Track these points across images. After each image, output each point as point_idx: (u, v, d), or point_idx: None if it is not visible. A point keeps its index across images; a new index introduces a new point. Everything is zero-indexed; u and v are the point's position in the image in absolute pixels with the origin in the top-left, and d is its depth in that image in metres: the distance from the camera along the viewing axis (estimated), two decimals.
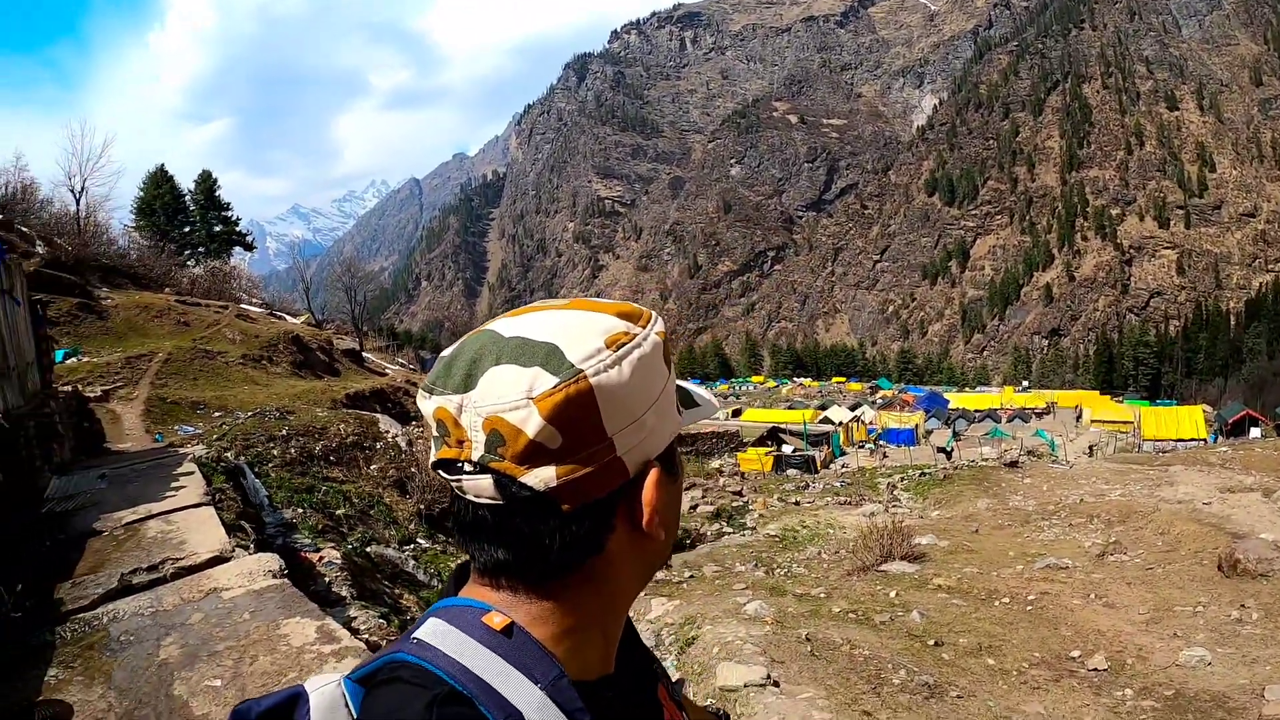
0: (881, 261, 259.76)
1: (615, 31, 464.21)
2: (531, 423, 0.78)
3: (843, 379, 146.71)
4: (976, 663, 8.25)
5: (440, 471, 0.85)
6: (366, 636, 6.86)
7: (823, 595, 10.92)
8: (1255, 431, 44.44)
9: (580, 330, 0.83)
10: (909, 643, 8.74)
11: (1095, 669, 7.98)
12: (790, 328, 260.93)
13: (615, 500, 0.84)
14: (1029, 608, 10.15)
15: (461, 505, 0.86)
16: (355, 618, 7.83)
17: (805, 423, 52.53)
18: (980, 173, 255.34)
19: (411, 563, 11.24)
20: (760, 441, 40.32)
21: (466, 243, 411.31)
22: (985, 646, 8.71)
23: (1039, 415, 70.33)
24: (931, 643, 8.74)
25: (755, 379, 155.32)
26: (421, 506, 14.01)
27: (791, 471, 32.48)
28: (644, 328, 0.85)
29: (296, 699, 0.83)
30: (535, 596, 0.85)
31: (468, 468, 0.81)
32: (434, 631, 0.82)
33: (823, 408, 71.36)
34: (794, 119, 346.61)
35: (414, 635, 0.83)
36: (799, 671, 7.49)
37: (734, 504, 23.49)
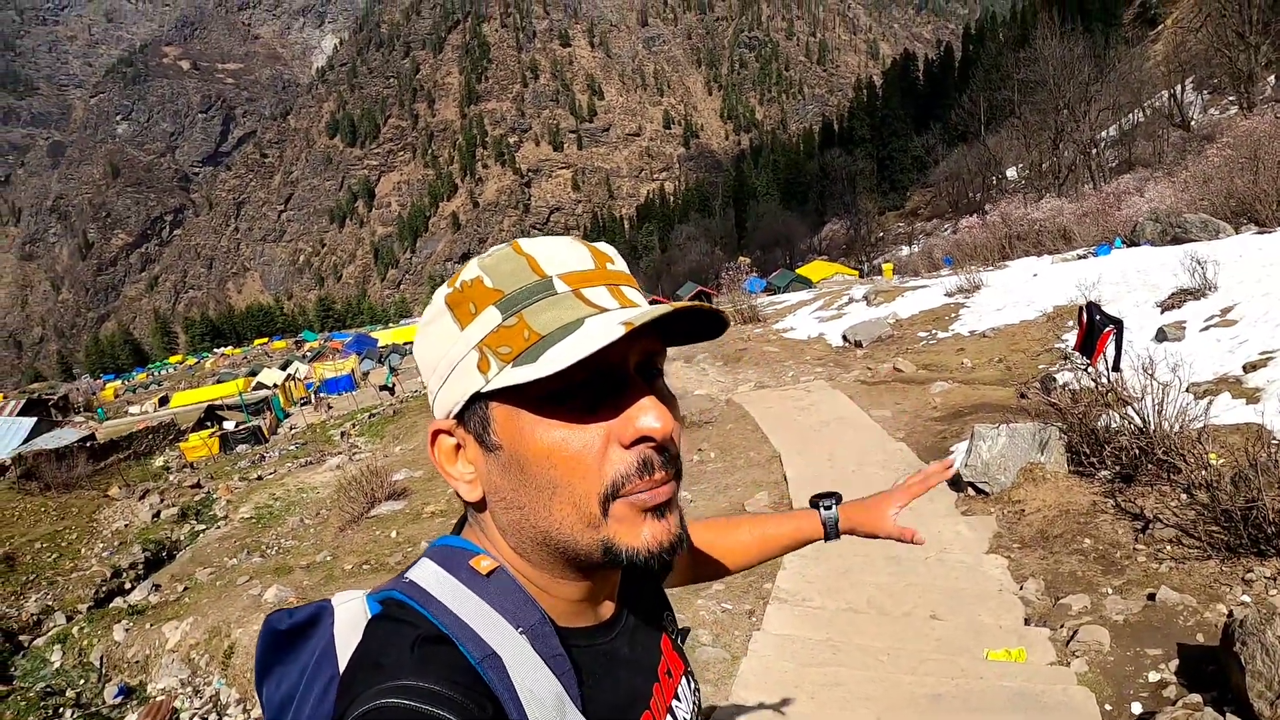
0: (287, 211, 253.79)
1: None
2: None
3: (265, 339, 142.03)
4: None
5: None
6: None
7: (329, 559, 11.24)
8: None
9: None
10: None
11: None
12: (201, 296, 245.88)
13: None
14: None
15: None
16: None
17: (240, 393, 50.59)
18: (382, 111, 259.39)
19: None
20: (199, 424, 37.98)
21: None
22: None
23: None
24: None
25: (174, 359, 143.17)
26: None
27: (242, 447, 31.45)
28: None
29: (323, 612, 0.88)
30: (487, 540, 0.89)
31: None
32: (424, 573, 0.85)
33: (253, 374, 68.72)
34: (186, 65, 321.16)
35: (407, 575, 0.85)
36: None
37: (196, 498, 22.43)
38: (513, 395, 0.79)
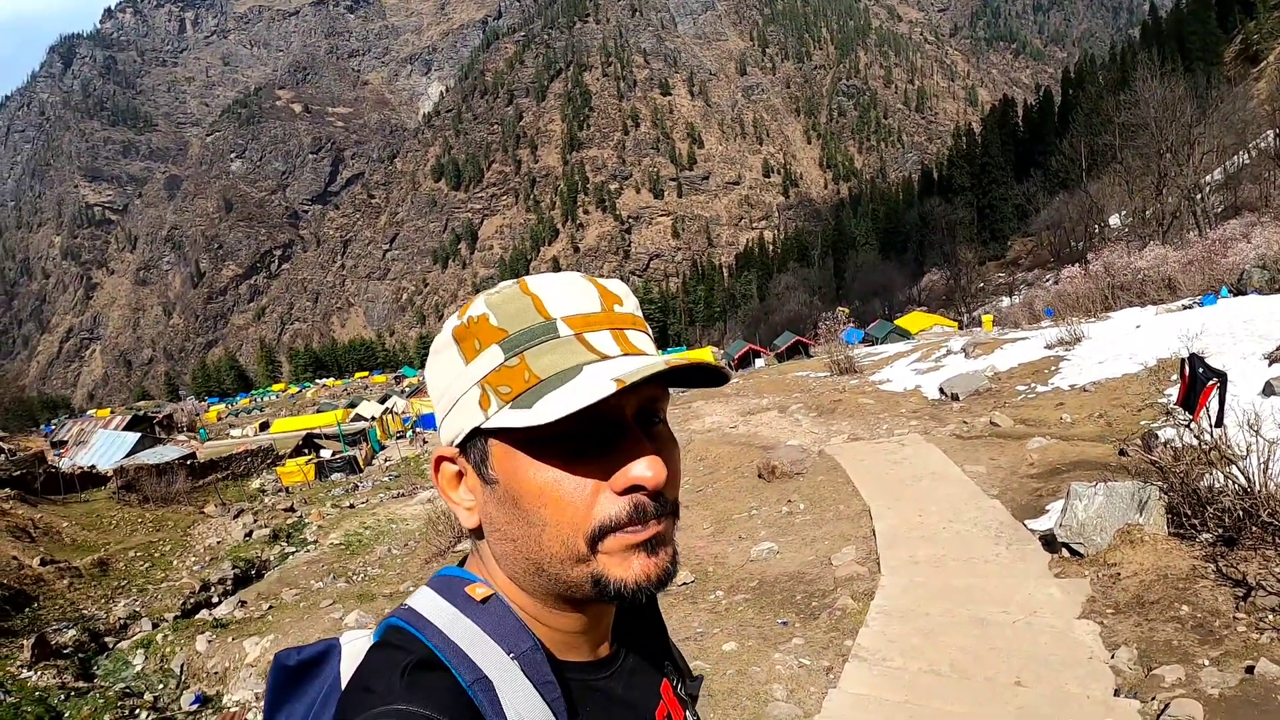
0: (391, 250, 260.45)
1: (109, 9, 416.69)
2: None
3: (366, 373, 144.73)
4: None
5: None
6: None
7: (412, 588, 10.98)
8: (759, 362, 50.91)
9: None
10: None
11: (684, 584, 9.00)
12: (305, 328, 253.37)
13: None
14: None
15: None
16: None
17: (339, 424, 51.76)
18: (485, 157, 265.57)
19: None
20: (297, 451, 39.07)
21: None
22: None
23: None
24: None
25: (276, 387, 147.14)
26: None
27: (336, 476, 32.19)
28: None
29: (331, 650, 0.91)
30: (485, 569, 0.90)
31: None
32: (421, 600, 0.86)
33: (352, 405, 70.27)
34: (298, 108, 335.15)
35: (407, 603, 0.87)
36: None
37: (289, 521, 23.02)
38: (510, 434, 0.80)
